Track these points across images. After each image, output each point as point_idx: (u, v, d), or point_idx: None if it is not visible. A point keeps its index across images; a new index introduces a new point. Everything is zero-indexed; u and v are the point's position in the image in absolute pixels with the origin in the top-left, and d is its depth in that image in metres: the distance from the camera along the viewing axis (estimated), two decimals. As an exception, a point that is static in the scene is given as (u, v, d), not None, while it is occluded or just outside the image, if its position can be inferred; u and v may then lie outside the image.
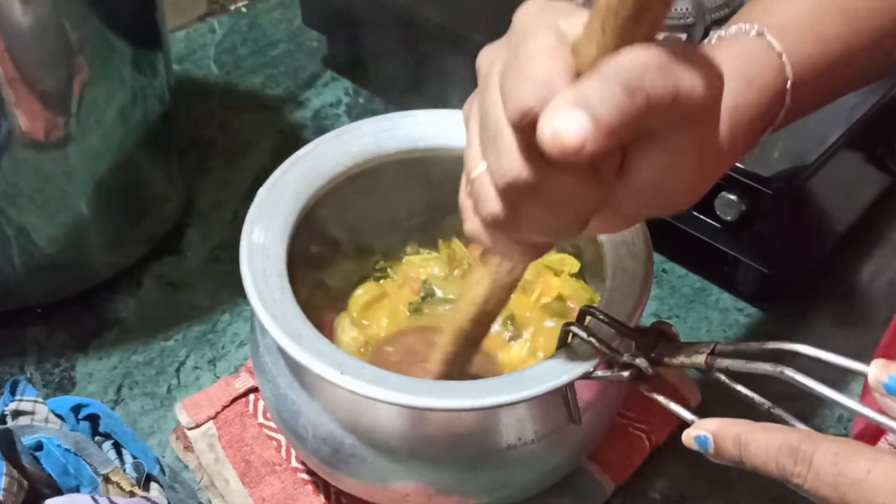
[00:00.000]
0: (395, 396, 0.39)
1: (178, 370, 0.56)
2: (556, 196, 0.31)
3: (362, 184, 0.50)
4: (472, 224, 0.34)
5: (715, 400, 0.53)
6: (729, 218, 0.55)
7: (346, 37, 0.77)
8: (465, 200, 0.35)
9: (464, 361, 0.44)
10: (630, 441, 0.50)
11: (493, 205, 0.32)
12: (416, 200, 0.53)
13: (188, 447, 0.50)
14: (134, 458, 0.45)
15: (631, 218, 0.36)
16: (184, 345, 0.57)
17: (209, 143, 0.72)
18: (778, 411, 0.37)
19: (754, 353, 0.37)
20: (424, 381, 0.40)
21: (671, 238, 0.58)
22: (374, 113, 0.75)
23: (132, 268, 0.61)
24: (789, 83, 0.38)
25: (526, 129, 0.29)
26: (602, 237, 0.47)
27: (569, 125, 0.27)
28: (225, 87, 0.78)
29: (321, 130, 0.74)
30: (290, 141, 0.72)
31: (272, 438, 0.50)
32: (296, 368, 0.43)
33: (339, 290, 0.52)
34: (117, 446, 0.45)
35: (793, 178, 0.53)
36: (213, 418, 0.51)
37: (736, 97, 0.35)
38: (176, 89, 0.76)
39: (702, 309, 0.61)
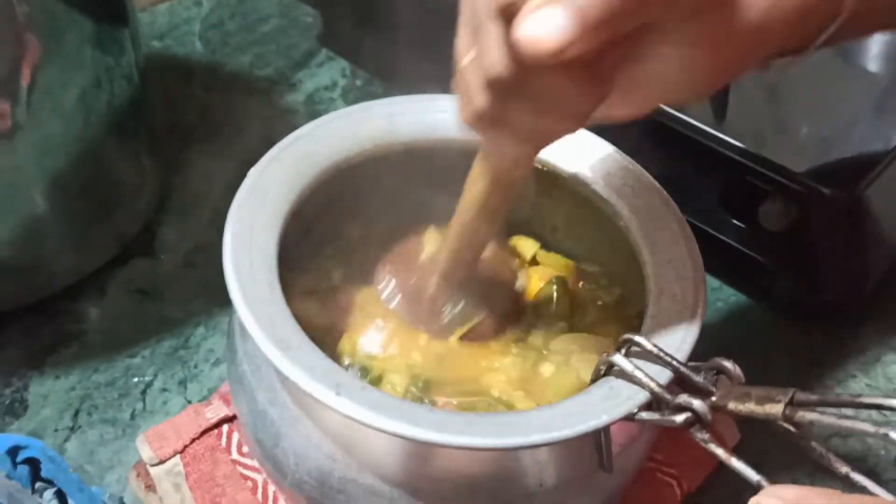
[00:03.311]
0: (400, 427, 0.32)
1: (143, 392, 0.49)
2: (544, 95, 0.29)
3: (371, 171, 0.44)
4: (464, 113, 0.32)
5: (755, 439, 0.47)
6: (774, 228, 0.48)
7: (343, 11, 0.70)
8: (457, 88, 0.32)
9: (470, 261, 0.41)
10: (658, 489, 0.44)
11: (479, 99, 0.30)
12: (430, 193, 0.46)
13: (150, 486, 0.44)
14: (81, 507, 0.39)
15: (642, 106, 0.32)
16: (152, 362, 0.51)
17: (189, 131, 0.65)
18: (857, 476, 0.31)
19: (840, 404, 0.31)
20: (435, 411, 0.34)
21: (703, 245, 0.51)
22: (373, 97, 0.68)
23: (96, 273, 0.54)
24: None
25: (511, 20, 0.26)
26: (645, 256, 0.40)
27: (545, 26, 0.25)
28: (209, 66, 0.71)
29: (314, 116, 0.65)
30: (279, 128, 0.64)
31: (247, 478, 0.44)
32: (280, 383, 0.37)
33: (339, 292, 0.45)
34: (61, 495, 0.38)
35: (852, 184, 0.45)
36: (181, 453, 0.44)
37: None
38: (155, 69, 0.70)
39: (737, 327, 0.54)
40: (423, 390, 0.40)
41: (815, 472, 0.46)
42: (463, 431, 0.33)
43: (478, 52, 0.29)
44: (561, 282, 0.44)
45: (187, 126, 0.65)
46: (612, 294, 0.45)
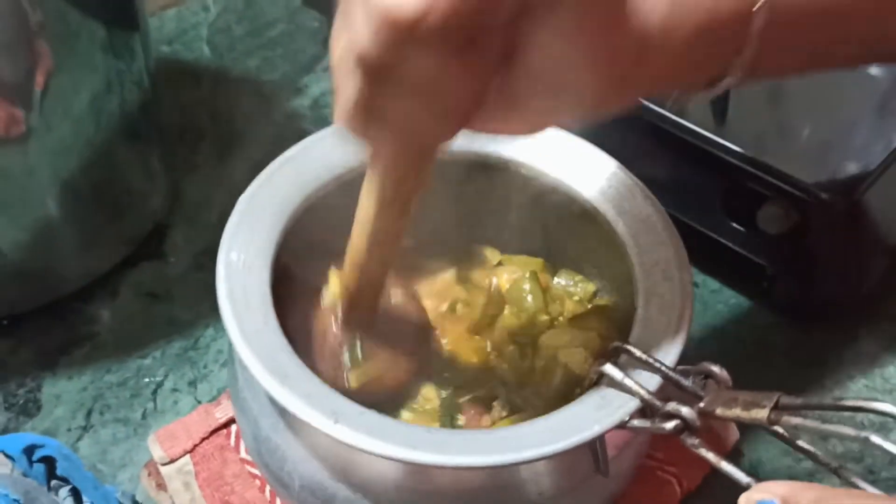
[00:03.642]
0: (397, 451, 0.33)
1: (154, 392, 0.50)
2: (418, 80, 0.27)
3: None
4: (338, 109, 0.30)
5: (756, 437, 0.48)
6: (773, 231, 0.48)
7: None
8: (334, 84, 0.30)
9: (368, 295, 0.38)
10: (658, 487, 0.45)
11: (350, 85, 0.28)
12: (426, 209, 0.47)
13: (161, 485, 0.45)
14: (95, 505, 0.40)
15: (533, 116, 0.31)
16: (162, 363, 0.52)
17: (198, 134, 0.66)
18: (847, 474, 0.32)
19: (822, 407, 0.32)
20: (432, 432, 0.35)
21: (703, 248, 0.52)
22: (378, 101, 0.69)
23: (107, 275, 0.55)
24: (758, 5, 0.32)
25: None
26: (633, 257, 0.41)
27: None
28: (217, 71, 0.72)
29: (320, 120, 0.68)
30: (287, 132, 0.66)
31: (255, 476, 0.45)
32: (280, 410, 0.38)
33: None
34: (76, 493, 0.39)
35: (849, 188, 0.46)
36: (190, 452, 0.45)
37: None
38: (164, 74, 0.71)
39: (737, 329, 0.54)
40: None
41: (816, 471, 0.47)
42: (460, 451, 0.33)
43: (347, 34, 0.27)
44: (533, 275, 0.45)
45: (196, 130, 0.66)
46: (586, 290, 0.46)
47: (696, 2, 0.31)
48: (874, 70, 0.51)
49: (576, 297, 0.46)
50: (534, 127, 0.32)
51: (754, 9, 0.32)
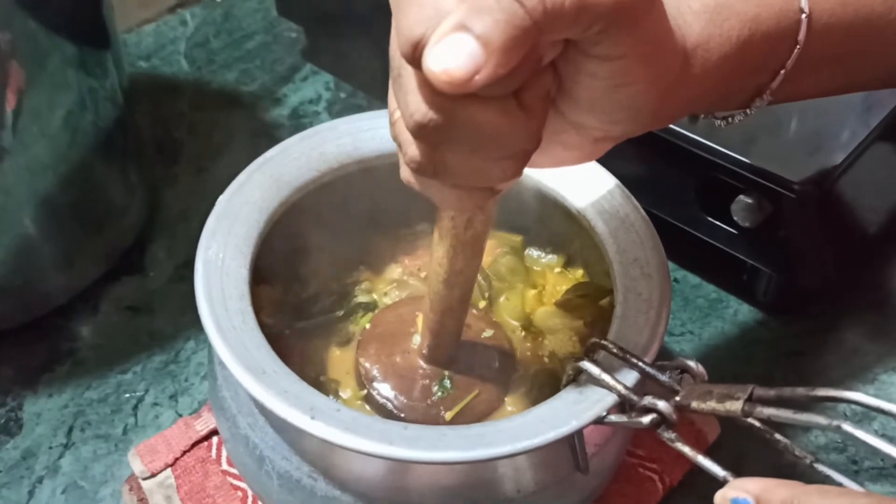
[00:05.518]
0: (374, 447, 0.33)
1: (135, 408, 0.50)
2: (473, 134, 0.27)
3: (339, 191, 0.45)
4: (403, 170, 0.31)
5: (737, 432, 0.48)
6: (748, 224, 0.48)
7: (326, 26, 0.71)
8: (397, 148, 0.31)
9: (452, 332, 0.39)
10: (640, 483, 0.44)
11: (412, 150, 0.29)
12: (401, 210, 0.47)
13: (142, 500, 0.45)
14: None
15: (600, 138, 0.31)
16: (143, 377, 0.52)
17: (177, 147, 0.66)
18: (822, 467, 0.32)
19: (798, 400, 0.31)
20: (408, 428, 0.35)
21: (683, 244, 0.52)
22: (357, 109, 0.69)
23: (87, 291, 0.55)
24: (804, 14, 0.33)
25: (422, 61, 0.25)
26: (611, 254, 0.41)
27: (450, 54, 0.24)
28: (196, 84, 0.72)
29: (299, 129, 0.66)
30: (265, 142, 0.64)
31: (237, 488, 0.45)
32: (258, 407, 0.38)
33: (314, 317, 0.46)
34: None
35: (820, 178, 0.46)
36: (171, 466, 0.45)
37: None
38: (142, 89, 0.71)
39: (718, 323, 0.55)
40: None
41: (796, 466, 0.47)
42: (435, 447, 0.33)
43: (400, 103, 0.28)
44: (513, 249, 0.46)
45: (175, 143, 0.66)
46: (559, 260, 0.47)
47: (737, 15, 0.32)
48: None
49: (556, 270, 0.46)
50: (603, 148, 0.33)
51: (803, 16, 0.33)
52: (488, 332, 0.43)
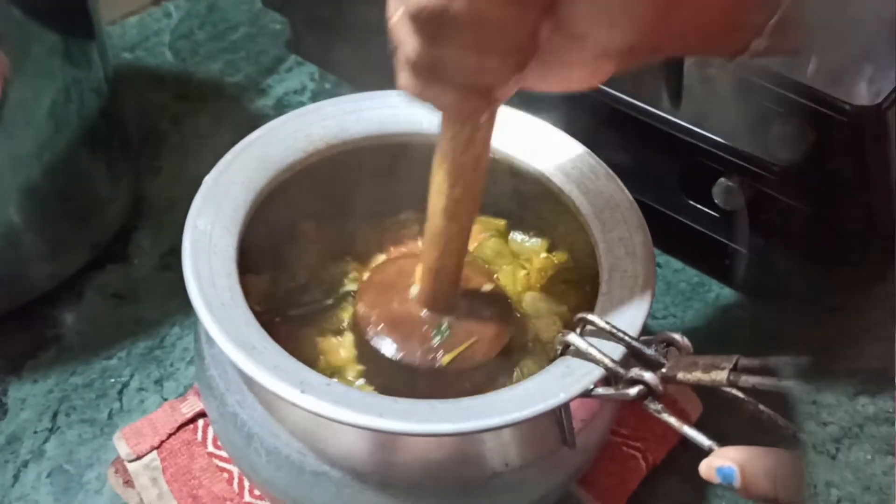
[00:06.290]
0: (364, 419, 0.33)
1: (120, 392, 0.50)
2: (476, 21, 0.28)
3: (325, 172, 0.45)
4: (401, 74, 0.32)
5: (720, 411, 0.48)
6: (728, 207, 0.49)
7: (311, 18, 0.71)
8: (393, 49, 0.32)
9: (451, 272, 0.39)
10: (624, 462, 0.45)
11: (411, 46, 0.30)
12: (387, 197, 0.47)
13: (128, 482, 0.45)
14: None
15: (600, 54, 0.31)
16: (128, 363, 0.52)
17: (161, 138, 0.66)
18: (804, 436, 0.32)
19: (781, 367, 0.32)
20: (398, 401, 0.35)
21: (665, 228, 0.53)
22: (341, 100, 0.69)
23: (73, 279, 0.55)
24: None
25: None
26: (596, 234, 0.41)
27: None
28: (180, 75, 0.72)
29: None
30: (250, 132, 0.66)
31: (223, 470, 0.45)
32: (247, 384, 0.38)
33: (303, 306, 0.46)
34: None
35: (875, 99, 0.45)
36: (157, 448, 0.45)
37: None
38: (127, 80, 0.71)
39: (700, 306, 0.55)
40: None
41: (780, 443, 0.47)
42: (425, 419, 0.34)
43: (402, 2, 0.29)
44: (498, 232, 0.46)
45: (160, 133, 0.66)
46: (543, 244, 0.47)
47: None
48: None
49: (541, 255, 0.47)
50: (598, 65, 0.32)
51: None
52: (488, 286, 0.43)
